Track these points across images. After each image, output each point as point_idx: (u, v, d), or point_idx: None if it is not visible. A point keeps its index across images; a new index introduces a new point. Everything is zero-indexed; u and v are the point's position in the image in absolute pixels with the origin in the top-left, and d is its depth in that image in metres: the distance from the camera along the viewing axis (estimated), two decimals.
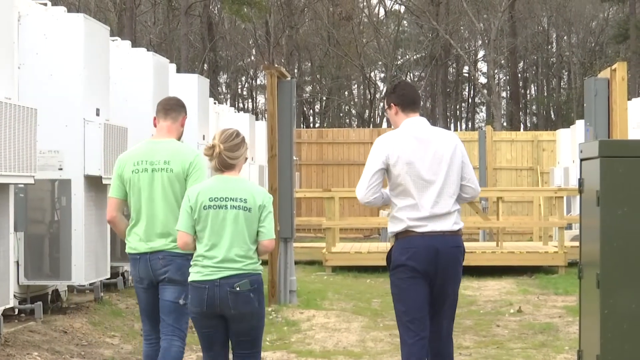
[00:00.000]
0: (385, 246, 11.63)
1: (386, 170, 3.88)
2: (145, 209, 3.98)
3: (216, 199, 3.56)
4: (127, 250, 4.06)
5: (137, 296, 4.12)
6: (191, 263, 3.66)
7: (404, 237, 3.86)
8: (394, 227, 3.90)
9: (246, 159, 3.71)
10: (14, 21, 5.82)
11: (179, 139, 4.12)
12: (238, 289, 3.52)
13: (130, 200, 4.04)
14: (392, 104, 3.99)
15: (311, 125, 31.78)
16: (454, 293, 3.96)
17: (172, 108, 4.11)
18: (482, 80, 32.38)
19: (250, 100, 35.15)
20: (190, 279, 3.62)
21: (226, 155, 3.59)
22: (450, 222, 3.87)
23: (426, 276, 3.84)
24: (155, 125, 4.16)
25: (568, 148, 14.09)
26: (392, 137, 3.91)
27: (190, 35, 27.80)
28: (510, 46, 29.17)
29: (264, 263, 7.93)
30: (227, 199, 3.55)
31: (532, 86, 35.82)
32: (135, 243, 4.00)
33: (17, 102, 5.52)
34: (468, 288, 9.46)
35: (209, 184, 3.64)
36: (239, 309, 3.53)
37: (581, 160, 4.43)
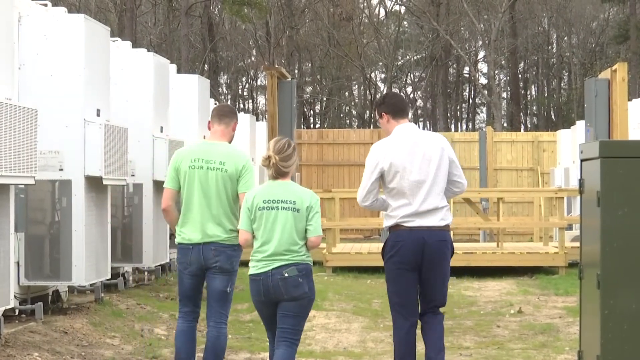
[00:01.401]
0: None
1: (381, 175, 4.34)
2: (198, 202, 4.39)
3: (269, 202, 4.11)
4: (180, 240, 4.44)
5: (180, 282, 4.50)
6: (250, 258, 4.18)
7: (395, 230, 4.34)
8: (387, 222, 4.41)
9: (297, 165, 4.23)
10: (14, 22, 5.80)
11: (230, 141, 4.57)
12: (286, 274, 4.07)
13: (183, 193, 4.43)
14: (383, 113, 4.44)
15: (311, 125, 31.75)
16: (442, 284, 4.35)
17: (225, 114, 4.59)
18: (483, 80, 32.36)
19: (250, 101, 35.14)
20: (249, 272, 4.18)
21: (281, 165, 4.11)
22: (437, 218, 4.30)
23: (414, 266, 4.29)
24: (209, 129, 4.63)
25: (568, 149, 14.08)
26: (386, 145, 4.38)
27: (191, 35, 27.77)
28: (510, 47, 29.14)
29: None
30: (278, 202, 4.09)
31: (533, 87, 35.80)
32: (189, 234, 4.41)
33: (18, 103, 5.50)
34: (468, 289, 9.45)
35: (263, 188, 4.18)
36: (291, 293, 4.07)
37: (581, 160, 4.43)
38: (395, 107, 4.42)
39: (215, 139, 4.52)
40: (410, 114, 4.52)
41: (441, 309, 4.46)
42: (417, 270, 4.28)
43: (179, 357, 4.37)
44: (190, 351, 4.38)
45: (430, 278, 4.30)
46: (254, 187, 4.39)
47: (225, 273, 4.41)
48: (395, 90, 31.79)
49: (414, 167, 4.28)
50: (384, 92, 27.59)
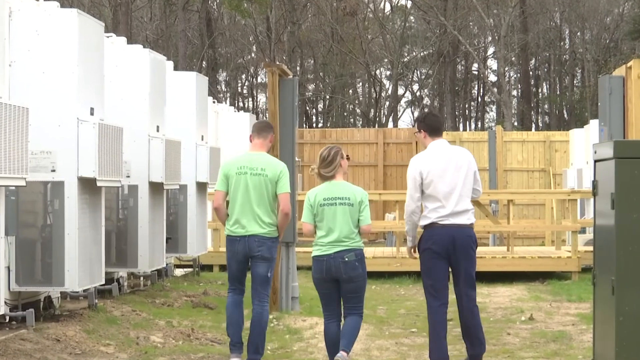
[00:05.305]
0: (391, 251, 11.71)
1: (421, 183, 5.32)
2: (243, 202, 5.40)
3: (328, 199, 5.22)
4: (228, 233, 5.47)
5: (228, 266, 5.53)
6: (313, 244, 5.28)
7: (430, 228, 5.29)
8: (423, 222, 5.34)
9: (342, 165, 5.25)
10: (4, 17, 5.79)
11: (268, 151, 5.65)
12: (347, 259, 5.17)
13: (231, 195, 5.44)
14: (421, 130, 5.45)
15: (314, 125, 31.64)
16: (470, 268, 5.29)
17: (263, 129, 5.63)
18: (492, 78, 32.17)
19: (250, 99, 34.99)
20: (312, 255, 5.25)
21: (324, 172, 5.28)
22: (465, 218, 5.28)
23: (445, 256, 5.25)
24: (251, 141, 5.69)
25: (582, 149, 13.91)
26: (424, 157, 5.37)
27: (188, 31, 27.69)
28: (521, 42, 28.84)
29: None
30: (336, 198, 5.21)
31: (544, 84, 35.51)
32: (237, 229, 5.43)
33: (8, 101, 5.45)
34: (477, 294, 9.17)
35: (323, 188, 5.28)
36: (349, 273, 5.17)
37: (595, 161, 4.50)
38: (433, 127, 5.41)
39: (255, 150, 5.57)
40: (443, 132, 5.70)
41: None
42: (447, 259, 5.24)
43: (231, 321, 5.42)
44: (239, 316, 5.44)
45: (460, 265, 5.25)
46: (291, 188, 5.51)
47: (266, 261, 5.43)
48: (401, 88, 31.65)
49: (447, 175, 5.25)
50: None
